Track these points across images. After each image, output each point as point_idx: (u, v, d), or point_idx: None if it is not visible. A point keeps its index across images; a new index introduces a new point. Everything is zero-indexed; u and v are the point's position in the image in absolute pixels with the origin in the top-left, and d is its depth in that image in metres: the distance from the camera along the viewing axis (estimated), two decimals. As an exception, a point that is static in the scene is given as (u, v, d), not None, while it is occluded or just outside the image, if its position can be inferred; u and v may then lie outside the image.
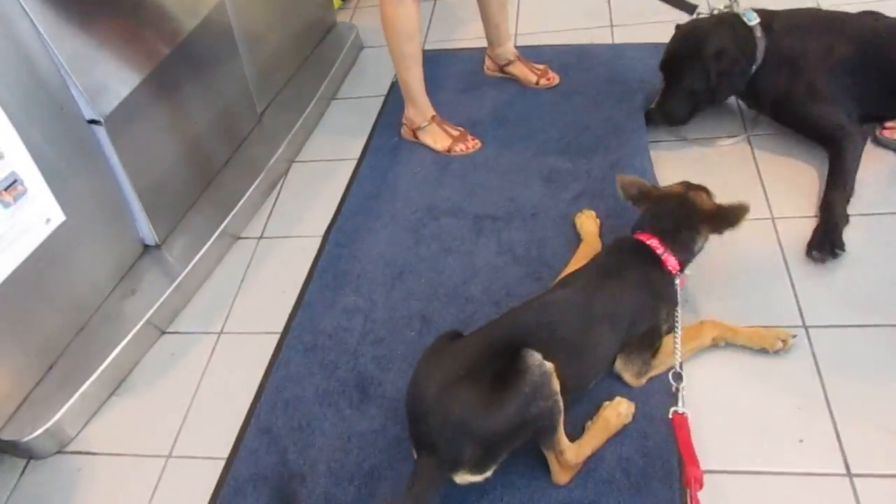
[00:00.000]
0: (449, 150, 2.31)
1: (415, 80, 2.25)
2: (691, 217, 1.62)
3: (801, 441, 1.44)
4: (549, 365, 1.35)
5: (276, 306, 1.96)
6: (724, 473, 1.43)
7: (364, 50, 2.96)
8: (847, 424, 1.46)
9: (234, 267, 2.12)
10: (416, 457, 1.40)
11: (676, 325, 1.58)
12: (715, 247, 1.71)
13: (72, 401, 1.73)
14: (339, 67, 2.77)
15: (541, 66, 2.53)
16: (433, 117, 2.34)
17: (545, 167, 2.20)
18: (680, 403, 1.46)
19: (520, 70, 2.53)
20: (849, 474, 1.38)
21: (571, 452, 1.42)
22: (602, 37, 2.72)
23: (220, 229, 2.12)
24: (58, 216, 1.69)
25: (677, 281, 1.58)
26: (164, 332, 1.96)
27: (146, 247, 2.06)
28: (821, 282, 1.72)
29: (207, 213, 2.16)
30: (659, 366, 1.58)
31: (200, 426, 1.73)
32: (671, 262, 1.58)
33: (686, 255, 1.61)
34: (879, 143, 2.00)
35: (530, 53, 2.59)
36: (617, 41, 2.70)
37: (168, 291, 1.96)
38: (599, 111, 2.36)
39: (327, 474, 1.55)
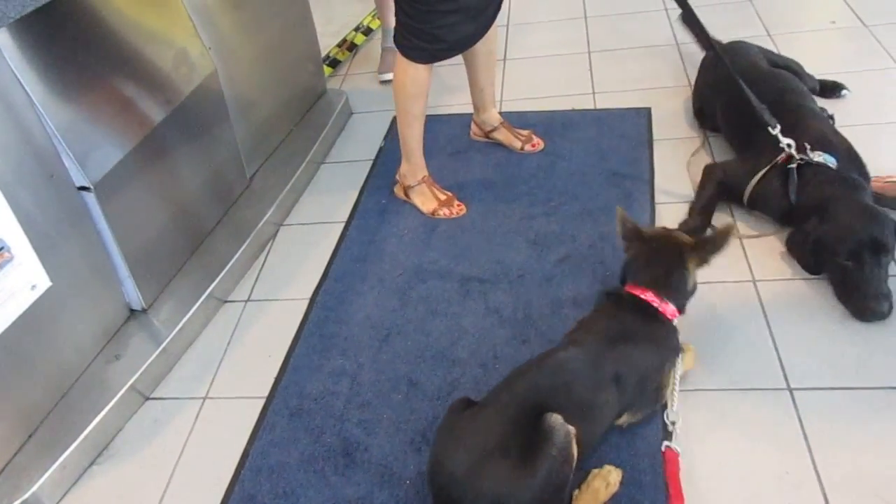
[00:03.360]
0: (433, 213, 2.35)
1: (414, 139, 2.31)
2: (678, 255, 1.62)
3: (789, 505, 1.43)
4: (570, 427, 1.36)
5: (262, 370, 1.95)
6: (714, 540, 1.41)
7: (353, 115, 3.02)
8: (834, 486, 1.45)
9: (220, 331, 2.11)
10: None
11: (677, 366, 1.59)
12: (697, 310, 1.73)
13: (51, 470, 1.69)
14: (329, 132, 2.83)
15: (525, 132, 2.60)
16: (425, 178, 2.39)
17: (531, 230, 2.23)
18: (673, 440, 1.47)
19: (504, 135, 2.60)
20: (839, 540, 1.37)
21: None
22: (585, 103, 2.80)
23: (207, 293, 2.12)
24: (44, 282, 1.69)
25: (676, 325, 1.59)
26: (147, 398, 1.93)
27: (132, 311, 2.06)
28: (803, 344, 1.74)
29: (195, 277, 2.17)
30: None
31: (183, 495, 1.69)
32: (669, 310, 1.59)
33: (681, 298, 1.62)
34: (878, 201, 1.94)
35: (515, 120, 2.67)
36: (599, 107, 2.78)
37: (153, 356, 1.94)
38: (585, 178, 2.41)
39: (311, 545, 1.51)
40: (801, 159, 1.95)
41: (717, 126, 2.45)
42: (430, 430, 1.69)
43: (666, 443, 1.49)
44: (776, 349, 1.74)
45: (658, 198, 2.28)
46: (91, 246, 1.87)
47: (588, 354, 1.53)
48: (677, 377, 1.61)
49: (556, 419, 1.35)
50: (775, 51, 2.67)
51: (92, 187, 1.79)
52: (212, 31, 2.21)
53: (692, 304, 1.67)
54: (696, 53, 2.80)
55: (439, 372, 1.83)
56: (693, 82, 2.67)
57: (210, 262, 2.22)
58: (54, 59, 1.71)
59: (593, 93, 2.87)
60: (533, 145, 2.57)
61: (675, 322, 1.61)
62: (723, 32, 2.62)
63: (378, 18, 3.46)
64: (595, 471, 1.50)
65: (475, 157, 2.60)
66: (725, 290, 1.91)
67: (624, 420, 1.58)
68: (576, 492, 1.47)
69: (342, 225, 2.42)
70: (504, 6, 2.26)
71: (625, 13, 3.40)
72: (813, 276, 1.91)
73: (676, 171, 2.36)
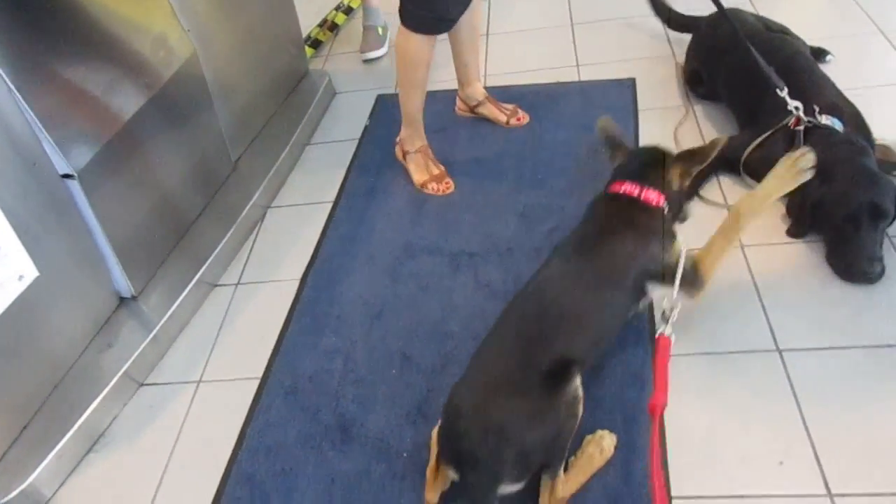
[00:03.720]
0: (422, 186, 2.35)
1: (414, 106, 2.31)
2: (662, 160, 1.64)
3: (780, 463, 1.45)
4: (581, 391, 1.42)
5: (256, 352, 1.95)
6: (705, 499, 1.43)
7: (337, 96, 3.00)
8: (826, 446, 1.47)
9: (211, 315, 2.11)
10: (456, 477, 1.42)
11: (682, 250, 1.58)
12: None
13: (47, 460, 1.69)
14: (313, 113, 2.81)
15: (510, 106, 2.60)
16: (422, 147, 2.39)
17: (519, 203, 2.24)
18: (668, 328, 1.48)
19: (489, 110, 2.59)
20: (829, 495, 1.39)
21: (562, 486, 1.42)
22: (569, 75, 2.79)
23: (196, 278, 2.12)
24: (31, 272, 1.68)
25: (666, 212, 1.60)
26: (141, 385, 1.93)
27: (122, 299, 2.05)
28: (792, 306, 1.76)
29: (184, 263, 2.16)
30: (709, 268, 1.59)
31: (181, 478, 1.70)
32: (652, 196, 1.59)
33: (666, 191, 1.61)
34: None
35: (500, 94, 2.66)
36: (583, 79, 2.77)
37: (145, 343, 1.94)
38: (571, 150, 2.41)
39: (311, 520, 1.53)
40: (809, 122, 1.95)
41: (711, 93, 2.44)
42: (425, 403, 1.71)
43: (661, 329, 1.48)
44: (765, 312, 1.76)
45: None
46: (77, 234, 1.86)
47: (572, 260, 1.56)
48: (681, 261, 1.56)
49: (574, 379, 1.41)
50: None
51: (76, 175, 1.77)
52: (190, 13, 2.18)
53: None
54: (679, 22, 2.79)
55: (432, 346, 1.84)
56: (683, 51, 2.66)
57: (198, 246, 2.21)
58: (31, 45, 1.69)
59: (577, 65, 2.86)
60: (518, 119, 2.57)
61: (664, 208, 1.59)
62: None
63: (358, -3, 3.43)
64: (588, 437, 1.52)
65: (461, 133, 2.59)
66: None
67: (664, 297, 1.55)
68: (571, 459, 1.49)
69: (330, 205, 2.41)
70: (486, -19, 2.24)
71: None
72: (798, 241, 1.92)
73: (662, 141, 2.35)
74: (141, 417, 1.86)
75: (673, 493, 1.44)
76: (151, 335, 1.96)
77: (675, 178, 1.65)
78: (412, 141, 2.39)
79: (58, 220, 1.79)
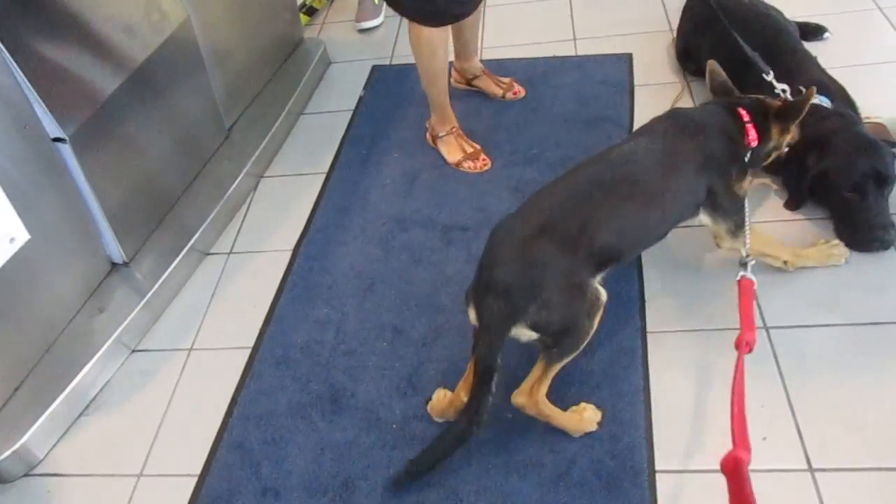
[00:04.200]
0: (458, 165, 2.33)
1: (439, 93, 2.29)
2: (766, 112, 1.68)
3: (764, 439, 1.48)
4: (604, 297, 1.46)
5: (247, 321, 1.96)
6: (689, 473, 1.46)
7: (332, 65, 2.97)
8: (808, 421, 1.50)
9: (203, 283, 2.11)
10: (475, 311, 1.46)
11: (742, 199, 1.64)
12: (673, 254, 1.75)
13: (39, 422, 1.71)
14: (308, 83, 2.79)
15: (506, 80, 2.58)
16: (453, 128, 2.36)
17: (513, 178, 2.24)
18: (749, 271, 1.52)
19: (486, 84, 2.57)
20: (810, 469, 1.42)
21: (543, 391, 1.47)
22: (566, 49, 2.77)
23: (188, 245, 2.11)
24: (22, 235, 1.68)
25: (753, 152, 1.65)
26: (133, 351, 1.94)
27: (114, 265, 2.05)
28: (779, 283, 1.77)
29: (176, 230, 2.15)
30: (755, 244, 1.62)
31: (172, 444, 1.72)
32: (752, 134, 1.63)
33: (761, 139, 1.66)
34: None
35: (496, 67, 2.64)
36: (580, 53, 2.75)
37: (137, 309, 1.94)
38: (565, 125, 2.40)
39: (301, 487, 1.55)
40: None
41: (701, 69, 2.43)
42: (416, 375, 1.72)
43: (742, 273, 1.51)
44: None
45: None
46: (69, 198, 1.85)
47: (662, 142, 1.58)
48: (747, 224, 1.62)
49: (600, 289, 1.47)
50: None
51: (67, 139, 1.76)
52: (183, -23, 2.15)
53: (665, 251, 1.69)
54: (678, -2, 2.77)
55: (423, 319, 1.85)
56: (675, 26, 2.65)
57: (191, 214, 2.20)
58: (22, 7, 1.66)
59: (574, 39, 2.84)
60: (514, 93, 2.55)
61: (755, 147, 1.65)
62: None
63: (355, -36, 3.37)
64: (573, 407, 1.55)
65: (455, 106, 2.56)
66: (698, 234, 1.93)
67: (707, 220, 1.62)
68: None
69: (323, 176, 2.40)
70: (484, -48, 2.21)
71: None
72: (786, 219, 1.93)
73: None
74: (133, 383, 1.87)
75: (658, 468, 1.47)
76: (143, 301, 1.97)
77: (775, 137, 1.69)
78: (442, 124, 2.36)
79: (49, 184, 1.78)
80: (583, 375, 1.63)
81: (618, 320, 1.73)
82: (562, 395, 1.57)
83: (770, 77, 1.97)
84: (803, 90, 1.94)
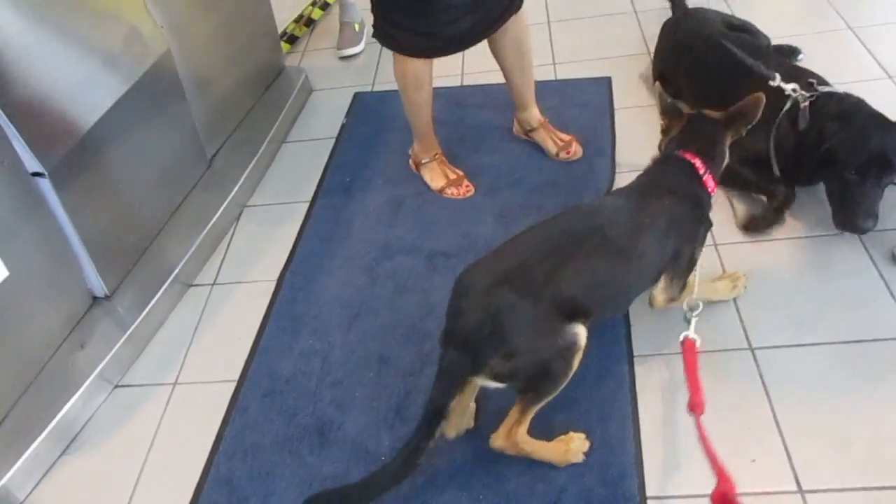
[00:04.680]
0: (441, 191, 2.32)
1: (423, 123, 2.29)
2: (716, 128, 1.67)
3: (753, 461, 1.48)
4: (582, 341, 1.42)
5: (232, 353, 1.93)
6: (680, 498, 1.45)
7: (314, 93, 2.98)
8: (797, 444, 1.50)
9: (187, 315, 2.09)
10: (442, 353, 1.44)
11: (697, 259, 1.64)
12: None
13: (20, 462, 1.67)
14: (290, 110, 2.79)
15: (567, 137, 2.39)
16: (436, 155, 2.36)
17: (497, 203, 2.24)
18: (692, 330, 1.52)
19: (542, 137, 2.41)
20: (800, 491, 1.43)
21: (522, 431, 1.46)
22: (545, 73, 2.80)
23: (171, 277, 2.09)
24: (1, 272, 1.65)
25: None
26: (116, 386, 1.91)
27: (95, 298, 2.02)
28: (763, 304, 1.79)
29: (158, 262, 2.13)
30: (682, 298, 1.65)
31: (157, 481, 1.69)
32: (710, 183, 1.63)
33: (718, 173, 1.67)
34: None
35: (478, 93, 2.66)
36: (560, 77, 2.78)
37: (119, 343, 1.92)
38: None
39: (289, 523, 1.53)
40: (812, 95, 1.94)
41: (677, 93, 2.46)
42: (404, 405, 1.71)
43: (684, 333, 1.51)
44: (737, 310, 1.78)
45: (620, 167, 2.30)
46: (49, 233, 1.83)
47: (629, 201, 1.58)
48: (697, 270, 1.64)
49: (579, 327, 1.43)
50: (729, 12, 2.70)
51: (46, 173, 1.74)
52: (164, 8, 2.15)
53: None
54: (655, 21, 2.81)
55: (410, 348, 1.84)
56: (653, 49, 2.69)
57: (173, 245, 2.19)
58: (0, 40, 1.65)
59: (553, 63, 2.87)
60: (567, 152, 2.35)
61: (713, 198, 1.65)
62: (680, -4, 2.64)
63: (335, -8, 3.40)
64: (561, 437, 1.54)
65: (440, 132, 2.57)
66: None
67: (659, 287, 1.61)
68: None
69: (307, 204, 2.40)
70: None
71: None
72: (769, 239, 1.95)
73: (638, 140, 2.38)
74: (116, 419, 1.84)
75: (649, 494, 1.46)
76: (126, 335, 1.94)
77: (727, 146, 1.68)
78: (425, 151, 2.35)
79: (28, 219, 1.76)
80: (570, 402, 1.62)
81: (603, 345, 1.73)
82: (549, 423, 1.56)
83: (777, 81, 1.98)
84: (814, 81, 1.97)
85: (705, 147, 1.66)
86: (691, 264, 1.63)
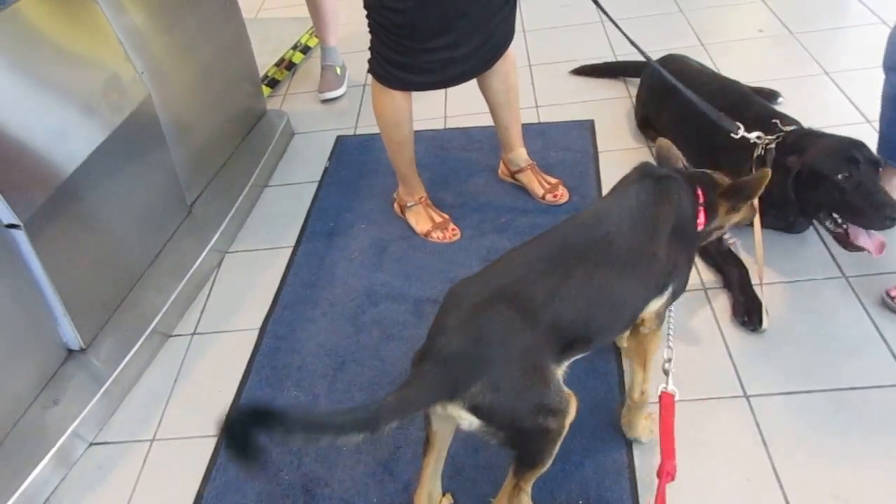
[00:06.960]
0: (427, 235, 2.30)
1: (403, 163, 2.26)
2: (713, 188, 1.53)
3: (755, 515, 1.45)
4: (573, 404, 1.28)
5: (213, 407, 1.87)
6: (682, 554, 1.41)
7: (295, 136, 2.96)
8: (797, 498, 1.47)
9: (165, 367, 2.02)
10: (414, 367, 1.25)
11: (670, 310, 1.53)
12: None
13: (-12, 529, 1.59)
14: (271, 155, 2.76)
15: (553, 180, 2.39)
16: (421, 198, 2.34)
17: (482, 247, 2.22)
18: (670, 383, 1.42)
19: (528, 179, 2.39)
20: (804, 546, 1.39)
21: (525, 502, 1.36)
22: (529, 117, 2.81)
23: (150, 328, 2.03)
24: (-29, 327, 1.59)
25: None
26: (91, 444, 1.83)
27: (70, 351, 1.95)
28: (756, 351, 1.77)
29: (136, 312, 2.07)
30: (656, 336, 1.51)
31: (133, 546, 1.61)
32: (701, 217, 1.49)
33: (707, 221, 1.53)
34: (889, 306, 1.83)
35: (460, 136, 2.66)
36: (542, 120, 2.79)
37: (94, 399, 1.84)
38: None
39: (274, 590, 1.45)
40: (777, 136, 1.94)
41: (660, 137, 2.47)
42: (392, 459, 1.65)
43: (662, 386, 1.40)
44: (730, 357, 1.77)
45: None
46: (23, 285, 1.77)
47: (636, 202, 1.41)
48: (671, 316, 1.53)
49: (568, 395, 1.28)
50: (709, 60, 2.74)
51: (21, 225, 1.69)
52: (144, 54, 2.13)
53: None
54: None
55: (398, 398, 1.79)
56: (635, 93, 2.71)
57: (152, 295, 2.13)
58: (-26, 90, 1.62)
59: (536, 106, 2.89)
60: (554, 196, 2.34)
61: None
62: (657, 44, 2.68)
63: (316, 36, 3.41)
64: None
65: (424, 175, 2.56)
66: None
67: (650, 311, 1.44)
68: None
69: (290, 250, 2.36)
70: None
71: (561, 26, 3.44)
72: (760, 284, 1.95)
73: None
74: (90, 479, 1.76)
75: (647, 550, 1.42)
76: (102, 390, 1.87)
77: (721, 213, 1.53)
78: (410, 195, 2.33)
79: (1, 271, 1.70)
80: (564, 453, 1.57)
81: (597, 394, 1.70)
82: (543, 474, 1.51)
83: (741, 132, 1.96)
84: (777, 122, 1.97)
85: (708, 189, 1.53)
86: (684, 287, 1.51)
